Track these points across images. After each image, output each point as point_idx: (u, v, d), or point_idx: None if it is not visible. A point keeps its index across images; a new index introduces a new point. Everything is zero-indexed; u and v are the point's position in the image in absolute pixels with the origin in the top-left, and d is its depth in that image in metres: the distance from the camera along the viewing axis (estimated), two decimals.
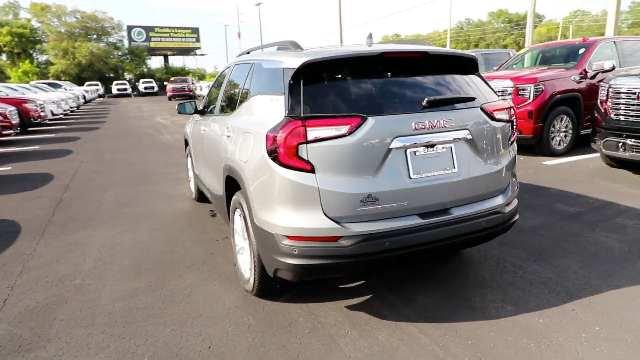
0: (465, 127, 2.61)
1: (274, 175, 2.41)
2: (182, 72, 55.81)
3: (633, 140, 5.37)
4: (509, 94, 7.06)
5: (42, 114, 13.68)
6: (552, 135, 7.11)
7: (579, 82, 7.17)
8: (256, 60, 3.26)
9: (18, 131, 11.51)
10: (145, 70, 56.40)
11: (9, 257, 3.85)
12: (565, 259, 3.40)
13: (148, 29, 54.34)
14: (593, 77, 7.22)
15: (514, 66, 8.84)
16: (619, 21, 14.58)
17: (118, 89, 42.50)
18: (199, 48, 58.54)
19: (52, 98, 16.37)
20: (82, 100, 26.32)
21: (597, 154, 6.62)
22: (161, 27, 55.60)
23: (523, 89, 6.95)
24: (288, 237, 2.41)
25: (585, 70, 7.24)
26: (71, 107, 20.36)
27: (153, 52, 55.72)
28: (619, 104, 5.58)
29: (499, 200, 2.79)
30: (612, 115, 5.67)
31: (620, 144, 5.53)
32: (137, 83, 48.30)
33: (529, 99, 6.88)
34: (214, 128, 3.76)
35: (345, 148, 2.34)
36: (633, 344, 2.37)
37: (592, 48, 7.47)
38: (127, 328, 2.70)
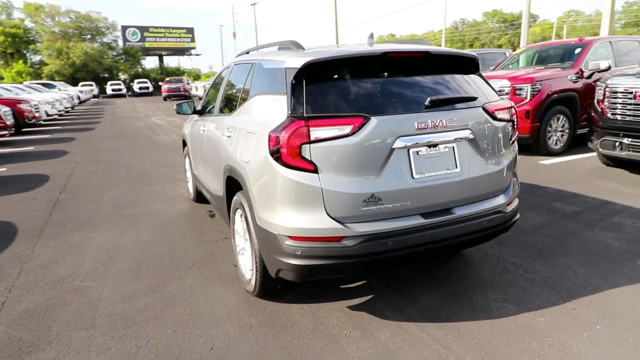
0: (467, 126, 2.62)
1: (276, 176, 2.40)
2: (177, 72, 55.62)
3: (630, 139, 5.41)
4: (506, 93, 7.08)
5: (36, 114, 13.59)
6: (549, 134, 7.15)
7: (575, 82, 7.21)
8: (257, 60, 3.24)
9: (13, 132, 11.43)
10: (140, 70, 56.14)
11: (6, 259, 3.82)
12: (565, 258, 3.42)
13: (142, 29, 54.12)
14: (589, 76, 7.26)
15: (510, 66, 8.88)
16: (613, 21, 14.67)
17: (113, 90, 42.26)
18: (194, 48, 58.38)
19: (47, 98, 16.24)
20: (76, 101, 26.15)
21: (594, 153, 6.66)
22: (156, 27, 55.40)
23: (520, 89, 6.98)
24: (291, 237, 2.40)
25: (581, 70, 7.28)
26: (66, 108, 20.22)
27: (148, 52, 55.49)
28: (615, 103, 5.61)
29: (500, 199, 2.80)
30: (608, 115, 5.70)
31: (617, 143, 5.57)
32: (131, 83, 48.08)
33: (526, 98, 6.91)
34: (214, 128, 3.75)
35: (348, 148, 2.34)
36: (634, 343, 2.38)
37: (588, 48, 7.51)
38: (128, 330, 2.69)
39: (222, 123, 3.49)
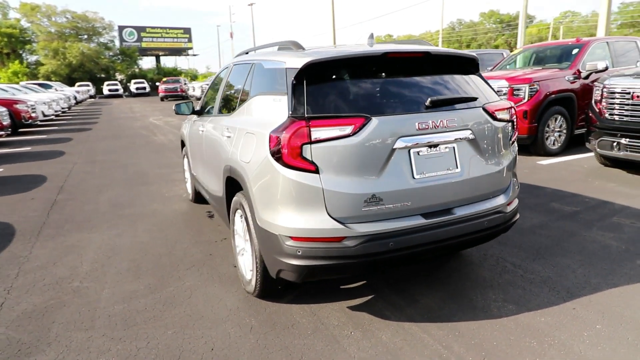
0: (467, 127, 2.62)
1: (277, 176, 2.40)
2: (174, 73, 55.47)
3: (627, 139, 5.43)
4: (504, 94, 7.10)
5: (33, 115, 13.53)
6: (547, 135, 7.17)
7: (572, 82, 7.23)
8: (256, 61, 3.24)
9: (9, 132, 11.37)
10: (137, 70, 55.96)
11: (4, 260, 3.80)
12: (564, 258, 3.42)
13: (139, 29, 53.94)
14: (587, 77, 7.29)
15: (508, 66, 8.90)
16: (609, 22, 14.73)
17: (109, 90, 42.11)
18: (191, 48, 58.22)
19: (43, 99, 16.17)
20: (73, 101, 26.05)
21: (591, 154, 6.68)
22: (153, 27, 55.22)
23: (518, 89, 7.00)
24: (292, 237, 2.40)
25: (579, 71, 7.31)
26: (62, 108, 20.13)
27: (145, 52, 55.31)
28: (613, 103, 5.63)
29: (500, 199, 2.81)
30: (606, 115, 5.73)
31: (614, 144, 5.59)
32: (128, 84, 47.90)
33: (524, 99, 6.92)
34: (213, 129, 3.74)
35: (350, 148, 2.34)
36: (634, 342, 2.39)
37: (585, 48, 7.54)
38: (127, 331, 2.67)
39: (222, 123, 3.48)
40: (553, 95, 7.02)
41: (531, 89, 6.90)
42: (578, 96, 7.27)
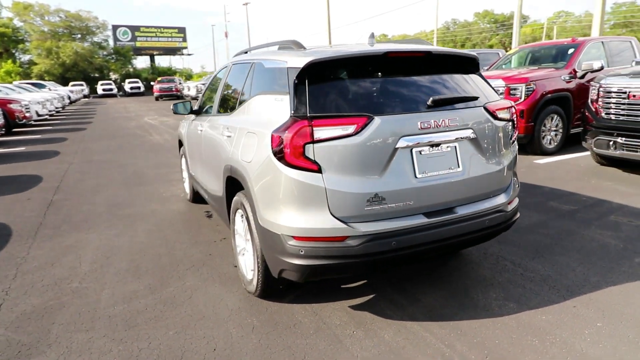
0: (468, 126, 2.63)
1: (279, 176, 2.39)
2: (169, 72, 55.28)
3: (623, 138, 5.47)
4: (501, 93, 7.12)
5: (27, 114, 13.44)
6: (543, 134, 7.21)
7: (568, 82, 7.28)
8: (257, 60, 3.23)
9: (3, 132, 11.29)
10: (131, 70, 55.67)
11: (2, 261, 3.76)
12: (563, 257, 3.44)
13: (134, 29, 53.70)
14: (582, 76, 7.34)
15: (504, 66, 8.94)
16: (603, 22, 14.83)
17: (103, 89, 41.89)
18: (185, 48, 58.04)
19: (37, 98, 16.05)
20: (67, 101, 25.88)
21: (587, 153, 6.72)
22: (147, 27, 55.00)
23: (515, 89, 7.04)
24: (294, 237, 2.39)
25: (574, 70, 7.35)
26: (56, 108, 20.00)
27: (139, 51, 55.09)
28: (609, 103, 5.67)
29: (501, 198, 2.82)
30: (602, 114, 5.76)
31: (610, 143, 5.63)
32: (122, 83, 47.65)
33: (521, 98, 6.96)
34: (212, 128, 3.72)
35: (352, 148, 2.33)
36: (635, 340, 2.41)
37: (581, 48, 7.59)
38: (128, 332, 2.66)
39: (221, 123, 3.47)
40: (549, 95, 7.06)
41: (528, 88, 6.94)
42: (574, 95, 7.32)
